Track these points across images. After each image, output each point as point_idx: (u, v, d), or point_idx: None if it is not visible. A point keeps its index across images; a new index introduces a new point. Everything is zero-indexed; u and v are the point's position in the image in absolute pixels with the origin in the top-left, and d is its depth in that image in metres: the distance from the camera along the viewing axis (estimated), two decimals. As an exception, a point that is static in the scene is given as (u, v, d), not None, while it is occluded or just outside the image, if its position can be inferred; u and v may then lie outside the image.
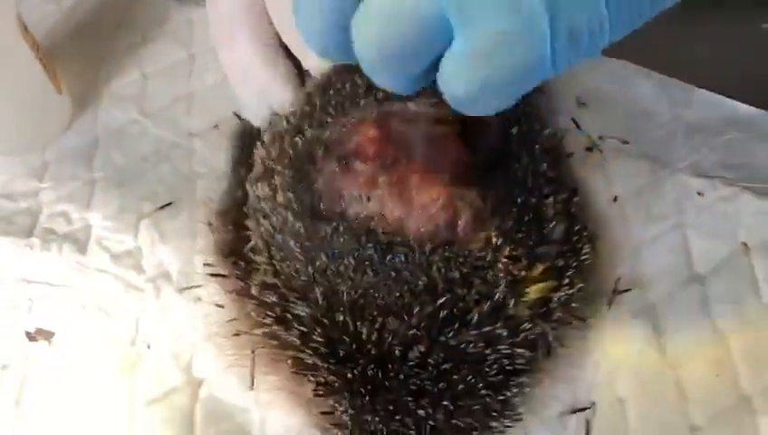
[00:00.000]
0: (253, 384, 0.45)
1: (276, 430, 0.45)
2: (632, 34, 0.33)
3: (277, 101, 0.49)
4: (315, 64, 0.49)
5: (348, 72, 0.46)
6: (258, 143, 0.48)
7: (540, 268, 0.43)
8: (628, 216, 0.50)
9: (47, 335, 0.49)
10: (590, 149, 0.53)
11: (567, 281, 0.44)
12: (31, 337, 0.49)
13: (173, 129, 0.58)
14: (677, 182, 0.51)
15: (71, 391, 0.47)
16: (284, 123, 0.47)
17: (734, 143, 0.53)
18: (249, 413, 0.46)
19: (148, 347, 0.48)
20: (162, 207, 0.53)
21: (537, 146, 0.46)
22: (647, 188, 0.51)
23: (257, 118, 0.51)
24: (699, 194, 0.51)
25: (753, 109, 0.55)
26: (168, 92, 0.59)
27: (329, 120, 0.45)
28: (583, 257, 0.46)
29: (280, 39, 0.50)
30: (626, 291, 0.48)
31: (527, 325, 0.41)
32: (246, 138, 0.52)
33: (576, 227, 0.46)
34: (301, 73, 0.50)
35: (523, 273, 0.42)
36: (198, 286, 0.49)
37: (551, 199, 0.45)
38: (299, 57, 0.50)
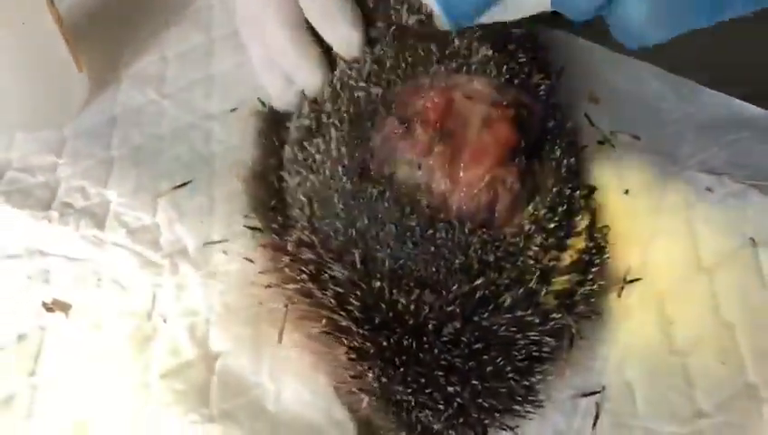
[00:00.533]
0: (281, 339, 0.46)
1: (291, 403, 0.46)
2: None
3: (306, 85, 0.50)
4: (338, 38, 0.49)
5: (422, 39, 0.47)
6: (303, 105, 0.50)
7: (567, 260, 0.44)
8: (638, 208, 0.52)
9: (64, 307, 0.50)
10: (601, 143, 0.54)
11: (591, 277, 0.45)
12: (48, 308, 0.50)
13: (191, 110, 0.58)
14: (687, 178, 0.53)
15: (86, 362, 0.48)
16: (347, 77, 0.48)
17: (742, 142, 0.55)
18: (264, 387, 0.47)
19: (165, 321, 0.49)
20: (180, 186, 0.54)
21: (566, 140, 0.47)
22: (657, 183, 0.53)
23: (283, 102, 0.52)
24: (708, 189, 0.52)
25: (759, 109, 0.56)
26: (187, 75, 0.60)
27: (397, 81, 0.46)
28: (606, 256, 0.47)
29: (307, 21, 0.51)
30: (635, 280, 0.49)
31: (556, 315, 0.42)
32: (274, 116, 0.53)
33: (599, 224, 0.48)
34: (328, 55, 0.51)
35: (552, 263, 0.43)
36: (225, 241, 0.50)
37: (577, 193, 0.46)
38: (322, 32, 0.50)
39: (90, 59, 0.59)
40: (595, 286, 0.46)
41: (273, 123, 0.54)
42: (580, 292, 0.45)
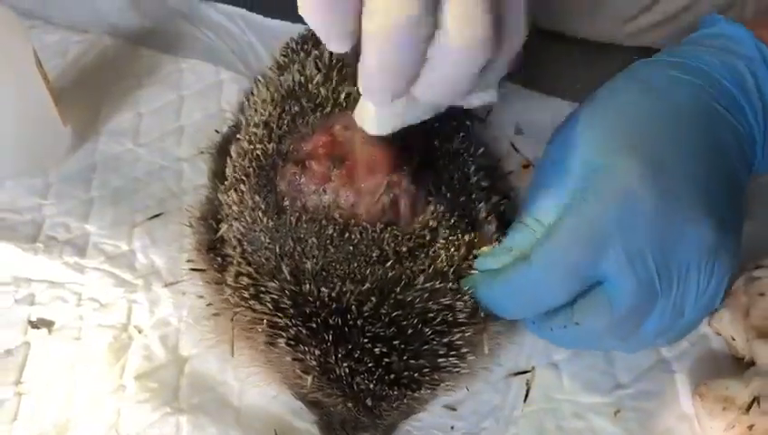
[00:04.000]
0: (233, 352, 0.51)
1: (253, 398, 0.51)
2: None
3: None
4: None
5: (295, 98, 0.55)
6: (228, 159, 0.56)
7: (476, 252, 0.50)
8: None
9: (47, 324, 0.55)
10: (526, 167, 0.62)
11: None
12: (33, 325, 0.55)
13: (164, 156, 0.66)
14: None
15: (67, 370, 0.53)
16: (246, 143, 0.55)
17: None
18: (228, 385, 0.52)
19: (139, 332, 0.54)
20: (153, 217, 0.61)
21: (470, 159, 0.54)
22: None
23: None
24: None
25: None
26: (159, 127, 0.68)
27: (285, 135, 0.53)
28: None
29: None
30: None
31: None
32: (223, 153, 0.59)
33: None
34: None
35: (461, 251, 0.49)
36: (183, 281, 0.56)
37: (482, 204, 0.52)
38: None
39: (72, 115, 0.66)
40: None
41: (220, 163, 0.58)
42: None
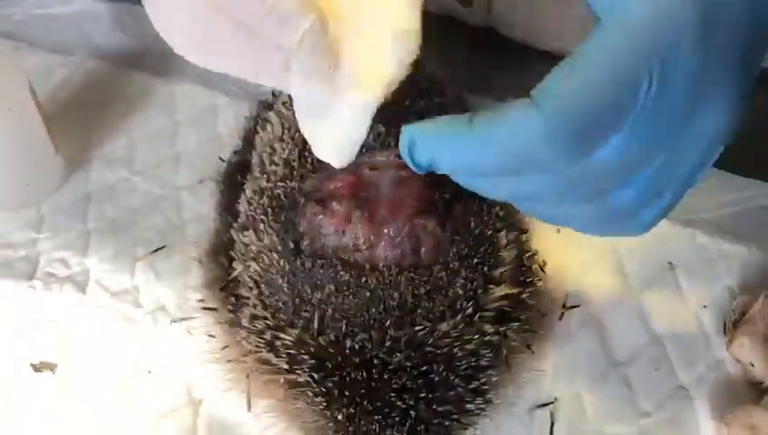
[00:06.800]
0: (249, 407, 0.50)
1: (276, 438, 0.50)
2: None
3: None
4: None
5: None
6: (241, 194, 0.54)
7: (496, 293, 0.50)
8: (569, 244, 0.58)
9: (51, 366, 0.53)
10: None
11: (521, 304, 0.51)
12: (36, 368, 0.52)
13: (161, 184, 0.63)
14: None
15: (74, 414, 0.51)
16: (265, 181, 0.53)
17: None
18: (248, 426, 0.50)
19: (149, 372, 0.52)
20: (156, 251, 0.59)
21: None
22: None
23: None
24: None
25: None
26: (155, 154, 0.65)
27: (309, 173, 0.52)
28: (537, 282, 0.53)
29: None
30: (575, 307, 0.55)
31: (488, 328, 0.47)
32: (231, 185, 0.58)
33: (527, 255, 0.54)
34: None
35: (481, 292, 0.48)
36: (193, 318, 0.54)
37: (503, 232, 0.52)
38: None
39: (62, 142, 0.63)
40: (525, 316, 0.51)
41: (229, 196, 0.57)
42: (514, 317, 0.49)
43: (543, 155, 0.33)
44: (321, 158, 0.45)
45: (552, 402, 0.51)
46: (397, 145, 0.50)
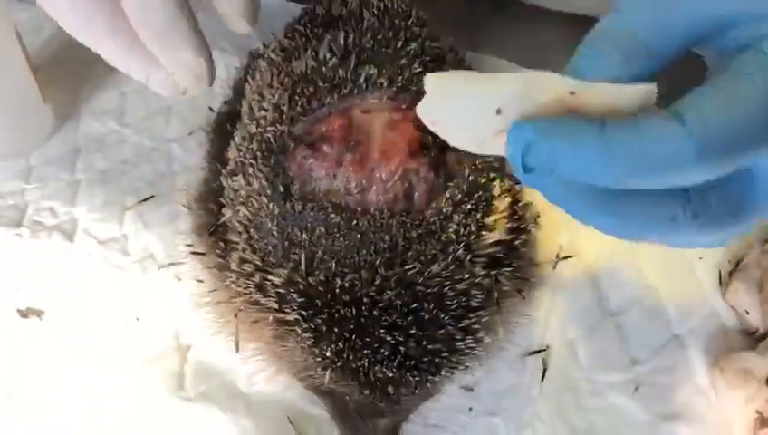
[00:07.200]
0: (238, 348, 0.49)
1: (263, 385, 0.49)
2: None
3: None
4: (180, 64, 0.44)
5: (308, 81, 0.53)
6: (231, 141, 0.53)
7: (489, 240, 0.49)
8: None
9: (38, 313, 0.52)
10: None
11: (514, 252, 0.50)
12: (22, 314, 0.52)
13: (151, 136, 0.63)
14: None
15: (61, 360, 0.50)
16: (255, 127, 0.53)
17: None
18: (235, 371, 0.50)
19: (137, 319, 0.52)
20: (145, 200, 0.58)
21: None
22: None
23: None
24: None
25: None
26: (145, 107, 0.65)
27: (299, 116, 0.51)
28: (530, 229, 0.52)
29: None
30: (568, 257, 0.55)
31: (479, 271, 0.47)
32: (221, 133, 0.57)
33: (520, 204, 0.53)
34: None
35: (474, 238, 0.48)
36: (181, 263, 0.53)
37: (497, 181, 0.51)
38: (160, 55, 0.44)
39: (51, 95, 0.63)
40: (517, 264, 0.49)
41: (219, 144, 0.56)
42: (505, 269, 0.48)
43: (690, 174, 0.32)
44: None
45: (545, 350, 0.51)
46: (389, 87, 0.50)
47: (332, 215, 0.45)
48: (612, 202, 0.33)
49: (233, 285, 0.47)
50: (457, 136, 0.35)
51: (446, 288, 0.44)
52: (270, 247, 0.46)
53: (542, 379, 0.49)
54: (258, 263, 0.46)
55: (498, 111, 0.33)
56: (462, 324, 0.44)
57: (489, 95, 0.34)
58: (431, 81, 0.34)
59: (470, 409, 0.49)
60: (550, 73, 0.34)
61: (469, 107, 0.34)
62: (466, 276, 0.45)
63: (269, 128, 0.50)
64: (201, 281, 0.51)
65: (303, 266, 0.44)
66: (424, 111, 0.35)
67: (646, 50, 0.34)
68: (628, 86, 0.33)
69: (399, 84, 0.50)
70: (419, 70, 0.52)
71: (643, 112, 0.32)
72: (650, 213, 0.33)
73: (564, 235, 0.56)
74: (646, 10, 0.34)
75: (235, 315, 0.48)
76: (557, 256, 0.55)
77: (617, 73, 0.33)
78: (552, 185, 0.34)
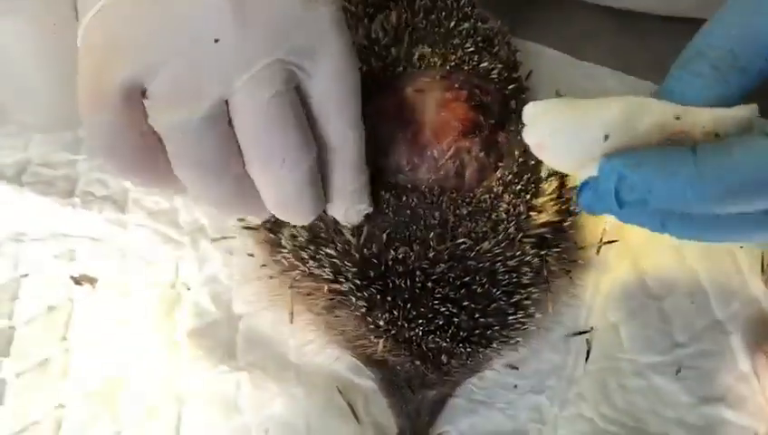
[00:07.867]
0: (292, 319, 0.50)
1: (312, 355, 0.50)
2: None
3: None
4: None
5: (360, 59, 0.53)
6: None
7: (539, 219, 0.50)
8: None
9: (91, 280, 0.53)
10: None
11: (560, 234, 0.51)
12: (76, 281, 0.53)
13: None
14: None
15: (115, 326, 0.51)
16: None
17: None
18: (285, 342, 0.51)
19: (188, 289, 0.53)
20: (194, 174, 0.59)
21: None
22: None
23: None
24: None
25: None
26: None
27: None
28: (575, 212, 0.53)
29: None
30: (612, 241, 0.55)
31: (529, 249, 0.48)
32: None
33: (567, 187, 0.54)
34: None
35: (524, 217, 0.49)
36: (232, 237, 0.54)
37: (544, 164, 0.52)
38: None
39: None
40: (564, 245, 0.50)
41: None
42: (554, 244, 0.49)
43: None
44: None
45: (589, 331, 0.52)
46: (442, 66, 0.51)
47: (382, 192, 0.46)
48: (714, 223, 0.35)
49: (284, 260, 0.48)
50: (562, 161, 0.37)
51: (498, 264, 0.45)
52: (321, 224, 0.47)
53: (587, 360, 0.50)
54: (309, 236, 0.47)
55: (606, 138, 0.34)
56: (513, 299, 0.45)
57: (596, 122, 0.35)
58: (537, 108, 0.36)
59: (515, 386, 0.50)
60: (651, 99, 0.35)
61: (577, 133, 0.35)
62: (518, 253, 0.46)
63: None
64: (252, 255, 0.52)
65: (355, 241, 0.45)
66: (530, 136, 0.36)
67: (740, 67, 0.34)
68: (731, 109, 0.34)
69: (452, 63, 0.52)
70: (471, 49, 0.53)
71: (740, 133, 0.33)
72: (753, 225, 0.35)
73: (608, 219, 0.57)
74: (736, 27, 0.35)
75: (290, 287, 0.49)
76: (600, 240, 0.55)
77: (714, 93, 0.34)
78: (648, 217, 0.36)
